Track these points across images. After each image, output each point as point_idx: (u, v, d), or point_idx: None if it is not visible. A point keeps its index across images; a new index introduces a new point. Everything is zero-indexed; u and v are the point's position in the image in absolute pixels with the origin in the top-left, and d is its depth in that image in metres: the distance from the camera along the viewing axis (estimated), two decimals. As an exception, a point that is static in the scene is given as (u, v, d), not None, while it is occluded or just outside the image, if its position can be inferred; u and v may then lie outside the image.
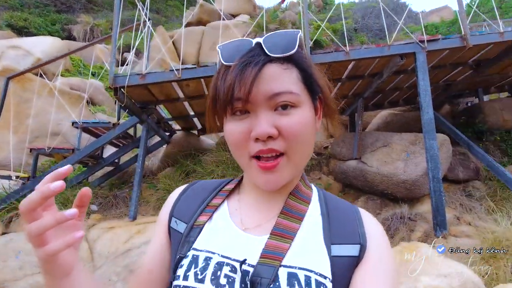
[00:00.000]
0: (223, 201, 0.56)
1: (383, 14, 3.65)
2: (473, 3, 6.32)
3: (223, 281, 0.44)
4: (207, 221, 0.53)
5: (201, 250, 0.49)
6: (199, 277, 0.45)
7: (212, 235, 0.51)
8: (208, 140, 4.99)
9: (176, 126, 4.80)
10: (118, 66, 4.43)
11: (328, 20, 6.81)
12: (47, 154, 3.62)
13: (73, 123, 3.76)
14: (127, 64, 3.58)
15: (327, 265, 0.45)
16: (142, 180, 4.22)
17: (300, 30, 0.49)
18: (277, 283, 0.42)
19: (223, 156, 3.76)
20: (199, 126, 4.66)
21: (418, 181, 3.34)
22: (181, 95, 3.48)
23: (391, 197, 3.53)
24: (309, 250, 0.46)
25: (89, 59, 8.83)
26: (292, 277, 0.43)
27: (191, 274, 0.46)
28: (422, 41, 3.00)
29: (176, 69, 2.85)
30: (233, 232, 0.50)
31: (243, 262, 0.45)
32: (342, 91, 4.10)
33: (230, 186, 0.58)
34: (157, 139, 4.89)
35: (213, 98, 0.49)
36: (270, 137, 0.45)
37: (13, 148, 4.93)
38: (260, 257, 0.45)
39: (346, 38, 3.51)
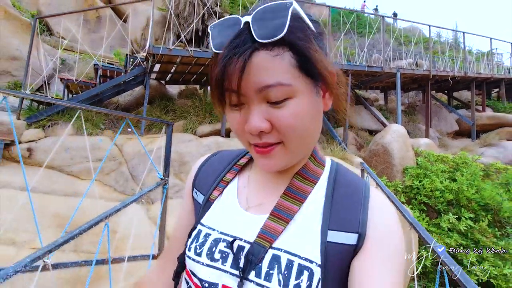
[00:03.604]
0: (234, 177, 0.58)
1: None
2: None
3: (217, 255, 0.47)
4: (217, 196, 0.55)
5: (204, 225, 0.52)
6: (198, 251, 0.49)
7: (217, 212, 0.54)
8: (171, 89, 6.86)
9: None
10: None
11: None
12: (73, 83, 4.85)
13: (95, 65, 5.04)
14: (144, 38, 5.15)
15: (317, 249, 0.44)
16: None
17: (293, 2, 0.41)
18: (260, 264, 0.44)
19: (195, 102, 5.94)
20: (168, 78, 6.51)
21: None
22: (178, 61, 5.40)
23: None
24: (302, 234, 0.46)
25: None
26: (274, 259, 0.44)
27: (193, 246, 0.50)
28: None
29: (190, 50, 4.86)
30: (236, 211, 0.52)
31: (236, 239, 0.48)
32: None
33: (243, 160, 0.59)
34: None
35: (210, 86, 0.47)
36: (263, 131, 0.43)
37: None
38: (257, 236, 0.46)
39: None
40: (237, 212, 0.52)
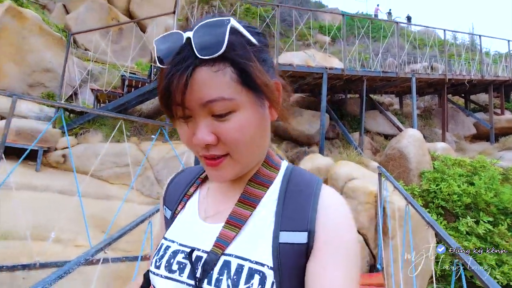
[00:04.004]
0: (196, 190, 0.59)
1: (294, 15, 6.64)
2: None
3: (175, 267, 0.48)
4: (180, 210, 0.57)
5: (166, 239, 0.53)
6: (157, 263, 0.50)
7: (179, 224, 0.55)
8: (191, 97, 7.15)
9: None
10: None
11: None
12: (102, 93, 5.19)
13: (122, 76, 5.37)
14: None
15: (268, 252, 0.44)
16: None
17: (231, 18, 0.43)
18: (212, 272, 0.44)
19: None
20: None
21: (313, 135, 6.73)
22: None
23: (300, 142, 6.83)
24: (254, 238, 0.46)
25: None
26: (224, 265, 0.44)
27: (153, 260, 0.51)
28: (327, 68, 6.17)
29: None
30: (195, 221, 0.53)
31: (194, 249, 0.48)
32: (281, 81, 7.03)
33: (205, 174, 0.60)
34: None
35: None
36: (209, 144, 0.45)
37: (17, 80, 5.94)
38: (213, 245, 0.47)
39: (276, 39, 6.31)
40: (196, 223, 0.53)
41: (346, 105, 8.68)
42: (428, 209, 4.86)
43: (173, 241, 0.52)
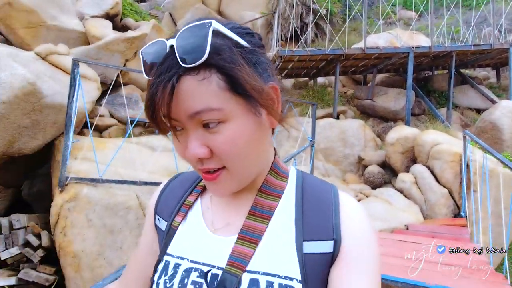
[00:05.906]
0: (196, 198, 0.55)
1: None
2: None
3: (190, 287, 0.45)
4: (181, 222, 0.53)
5: (172, 256, 0.50)
6: (168, 285, 0.46)
7: (184, 238, 0.51)
8: (285, 82, 8.36)
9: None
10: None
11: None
12: None
13: None
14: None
15: (295, 265, 0.43)
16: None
17: (213, 20, 0.40)
18: None
19: (308, 91, 7.24)
20: (284, 74, 8.03)
21: (398, 111, 7.26)
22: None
23: (385, 118, 7.44)
24: (276, 252, 0.45)
25: None
26: (252, 284, 0.43)
27: (161, 282, 0.47)
28: (413, 47, 6.60)
29: (308, 49, 6.17)
30: (203, 234, 0.50)
31: (210, 268, 0.46)
32: (367, 63, 7.67)
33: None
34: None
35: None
36: (202, 158, 0.43)
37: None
38: (227, 264, 0.44)
39: (364, 19, 6.87)
40: (205, 235, 0.50)
41: (432, 81, 8.78)
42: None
43: (182, 258, 0.49)
